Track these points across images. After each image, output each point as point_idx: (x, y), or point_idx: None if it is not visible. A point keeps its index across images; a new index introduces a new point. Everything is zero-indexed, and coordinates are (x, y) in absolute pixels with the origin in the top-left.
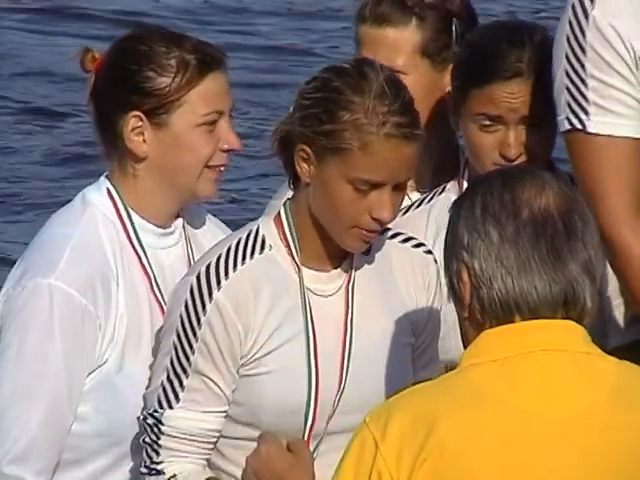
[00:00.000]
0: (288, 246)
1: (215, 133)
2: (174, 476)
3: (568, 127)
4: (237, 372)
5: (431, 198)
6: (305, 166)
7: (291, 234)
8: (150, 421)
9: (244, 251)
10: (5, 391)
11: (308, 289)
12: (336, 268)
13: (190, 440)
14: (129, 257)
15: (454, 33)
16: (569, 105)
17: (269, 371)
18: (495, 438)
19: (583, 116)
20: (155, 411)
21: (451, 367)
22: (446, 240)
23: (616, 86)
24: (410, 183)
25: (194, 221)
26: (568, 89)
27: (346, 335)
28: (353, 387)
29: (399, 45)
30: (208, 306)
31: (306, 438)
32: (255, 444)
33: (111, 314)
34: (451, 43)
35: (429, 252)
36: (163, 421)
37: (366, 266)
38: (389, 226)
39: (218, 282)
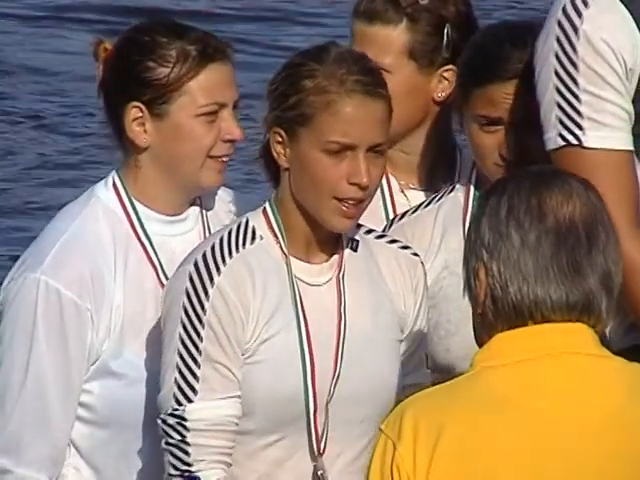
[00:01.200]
0: (276, 237)
1: (216, 124)
2: None
3: (562, 143)
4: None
5: (440, 197)
6: (280, 149)
7: (278, 226)
8: (171, 421)
9: (237, 240)
10: None
11: (298, 279)
12: (326, 261)
13: (217, 431)
14: (134, 247)
15: (445, 39)
16: (561, 121)
17: (263, 360)
18: (511, 441)
19: (578, 131)
20: (175, 409)
21: (446, 368)
22: (469, 233)
23: (610, 99)
24: (406, 182)
25: (216, 205)
26: (559, 105)
27: (340, 323)
28: (348, 375)
29: (387, 44)
30: (210, 291)
31: (313, 428)
32: (251, 438)
33: (104, 306)
34: (441, 48)
35: (416, 254)
36: (186, 417)
37: (355, 262)
38: (383, 232)
39: (217, 268)
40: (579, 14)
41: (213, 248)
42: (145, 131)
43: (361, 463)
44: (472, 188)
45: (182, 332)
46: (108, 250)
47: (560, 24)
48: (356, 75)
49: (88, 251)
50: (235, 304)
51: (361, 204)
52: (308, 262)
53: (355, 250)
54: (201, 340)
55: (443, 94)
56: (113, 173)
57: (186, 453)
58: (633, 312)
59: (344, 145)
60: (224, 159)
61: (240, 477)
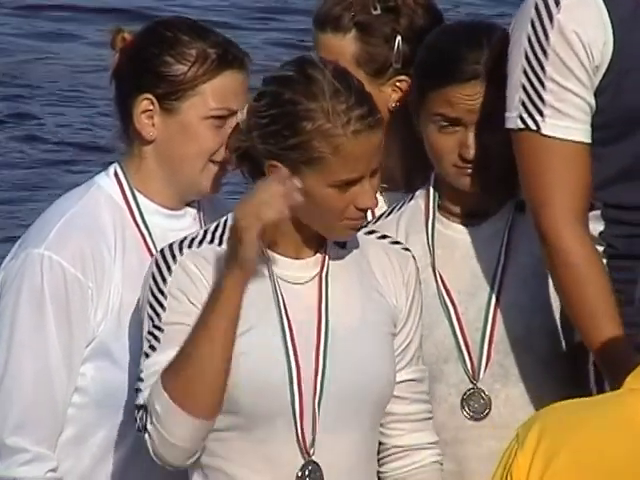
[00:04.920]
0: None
1: (223, 130)
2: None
3: (521, 126)
4: None
5: (401, 207)
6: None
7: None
8: (136, 385)
9: (213, 235)
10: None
11: (279, 277)
12: (311, 257)
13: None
14: (133, 237)
15: (395, 51)
16: (523, 104)
17: (243, 351)
18: (630, 470)
19: (538, 117)
20: (140, 377)
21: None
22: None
23: (574, 91)
24: (382, 186)
25: (215, 210)
26: (524, 88)
27: (320, 323)
28: (335, 373)
29: (337, 52)
30: (173, 267)
31: (299, 422)
32: (238, 434)
33: (104, 284)
34: (391, 60)
35: (407, 249)
36: (144, 369)
37: (342, 258)
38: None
39: (181, 249)
40: (557, 2)
41: (185, 237)
42: (153, 124)
43: (354, 457)
44: (432, 192)
45: (149, 310)
46: (108, 233)
47: (537, 8)
48: (357, 109)
49: (90, 230)
50: (198, 276)
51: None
52: (292, 257)
53: (343, 246)
54: (164, 310)
55: (398, 104)
56: (115, 164)
57: (141, 381)
58: (565, 306)
59: (352, 180)
60: (226, 166)
61: (233, 474)
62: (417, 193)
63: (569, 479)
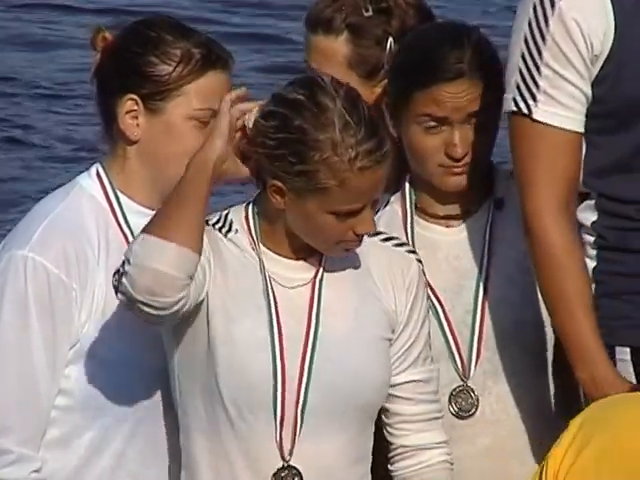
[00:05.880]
0: (252, 237)
1: (206, 130)
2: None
3: (514, 108)
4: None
5: (376, 213)
6: (279, 198)
7: (255, 232)
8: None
9: (213, 226)
10: None
11: (273, 277)
12: (307, 258)
13: None
14: (116, 237)
15: (387, 52)
16: (518, 87)
17: (228, 342)
18: None
19: (531, 102)
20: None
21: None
22: None
23: (569, 79)
24: None
25: None
26: (521, 71)
27: (309, 329)
28: (320, 380)
29: (329, 54)
30: None
31: (279, 417)
32: (222, 428)
33: (88, 286)
34: (383, 62)
35: (412, 252)
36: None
37: (339, 261)
38: None
39: None
40: None
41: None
42: (137, 125)
43: (337, 461)
44: (408, 195)
45: None
46: (91, 234)
47: None
48: (365, 143)
49: (73, 232)
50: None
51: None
52: (288, 258)
53: None
54: None
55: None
56: (96, 164)
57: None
58: (543, 295)
59: (354, 210)
60: None
61: (216, 467)
62: (392, 198)
63: (589, 475)
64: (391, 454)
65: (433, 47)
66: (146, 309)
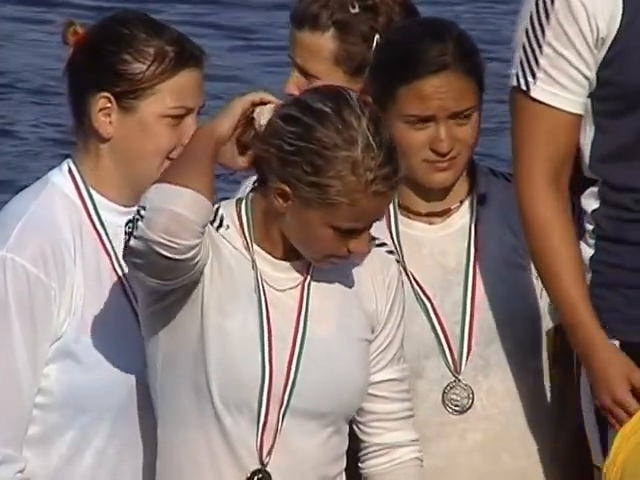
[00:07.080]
0: (244, 234)
1: (179, 128)
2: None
3: (515, 84)
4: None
5: None
6: (282, 201)
7: (249, 230)
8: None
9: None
10: None
11: (265, 279)
12: (297, 260)
13: None
14: (89, 235)
15: (373, 49)
16: (521, 63)
17: (221, 335)
18: None
19: (530, 79)
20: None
21: None
22: None
23: (569, 60)
24: None
25: None
26: (524, 47)
27: (297, 332)
28: (306, 381)
29: (315, 50)
30: None
31: (262, 418)
32: (208, 421)
33: (66, 285)
34: (369, 59)
35: (391, 252)
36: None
37: None
38: None
39: None
40: None
41: None
42: (110, 122)
43: (311, 462)
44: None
45: None
46: (66, 232)
47: None
48: (383, 168)
49: (49, 230)
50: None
51: None
52: (279, 259)
53: None
54: None
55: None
56: (67, 161)
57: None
58: (539, 273)
59: (356, 229)
60: None
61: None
62: None
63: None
64: (363, 452)
65: (415, 42)
66: (162, 251)
